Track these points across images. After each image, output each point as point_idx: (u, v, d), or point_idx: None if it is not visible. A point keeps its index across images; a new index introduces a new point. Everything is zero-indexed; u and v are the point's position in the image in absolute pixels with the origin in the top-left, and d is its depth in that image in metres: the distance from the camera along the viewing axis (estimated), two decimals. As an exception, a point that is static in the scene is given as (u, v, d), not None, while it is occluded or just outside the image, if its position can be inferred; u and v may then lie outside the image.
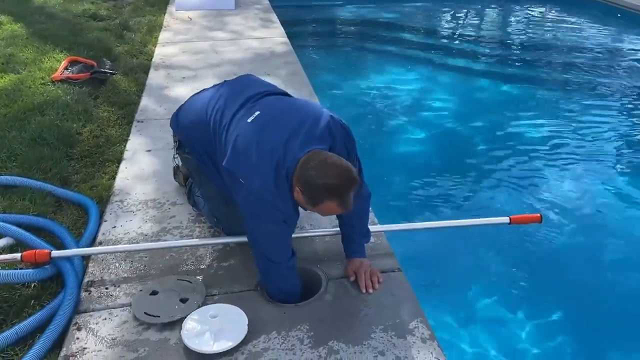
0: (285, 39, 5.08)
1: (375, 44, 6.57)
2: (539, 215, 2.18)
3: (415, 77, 5.48)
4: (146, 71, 4.19)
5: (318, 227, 2.26)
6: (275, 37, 5.15)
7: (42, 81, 3.80)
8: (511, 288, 2.63)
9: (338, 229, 2.21)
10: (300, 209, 1.77)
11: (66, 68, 3.97)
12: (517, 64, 5.94)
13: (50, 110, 3.29)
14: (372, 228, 2.19)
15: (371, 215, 2.32)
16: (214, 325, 1.66)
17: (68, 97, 3.48)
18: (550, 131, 4.26)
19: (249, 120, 1.77)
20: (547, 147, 3.98)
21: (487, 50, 6.39)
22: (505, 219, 2.17)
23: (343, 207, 1.61)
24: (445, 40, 6.79)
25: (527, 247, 2.86)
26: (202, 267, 2.04)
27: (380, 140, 4.11)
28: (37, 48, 4.48)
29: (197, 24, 5.56)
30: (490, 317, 2.49)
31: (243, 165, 1.70)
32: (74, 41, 4.63)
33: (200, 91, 2.15)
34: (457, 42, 6.73)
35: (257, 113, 1.79)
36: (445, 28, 7.44)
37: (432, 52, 6.27)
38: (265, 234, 1.77)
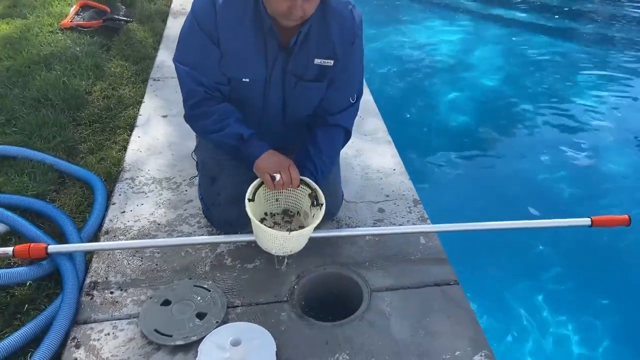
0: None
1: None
2: (626, 217, 1.81)
3: (457, 31, 4.93)
4: (164, 19, 3.79)
5: (356, 225, 1.93)
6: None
7: (51, 28, 3.45)
8: (595, 310, 2.21)
9: (380, 227, 1.90)
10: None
11: (77, 13, 3.59)
12: (578, 18, 5.30)
13: (57, 63, 2.96)
14: (421, 228, 1.86)
15: (421, 211, 1.99)
16: (235, 354, 1.38)
17: (77, 49, 3.13)
18: (619, 97, 3.74)
19: None
20: (615, 118, 3.48)
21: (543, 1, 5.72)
22: (586, 221, 1.81)
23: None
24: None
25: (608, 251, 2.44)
26: (223, 268, 1.74)
27: (421, 104, 3.68)
28: (47, -11, 4.08)
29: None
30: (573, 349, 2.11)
31: None
32: (87, -18, 4.21)
33: None
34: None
35: None
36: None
37: (477, 1, 5.64)
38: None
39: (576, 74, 4.06)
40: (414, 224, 1.93)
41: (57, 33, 3.37)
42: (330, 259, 1.78)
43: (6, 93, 2.66)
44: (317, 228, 1.60)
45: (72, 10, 3.62)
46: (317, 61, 1.57)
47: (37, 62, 2.98)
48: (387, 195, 2.08)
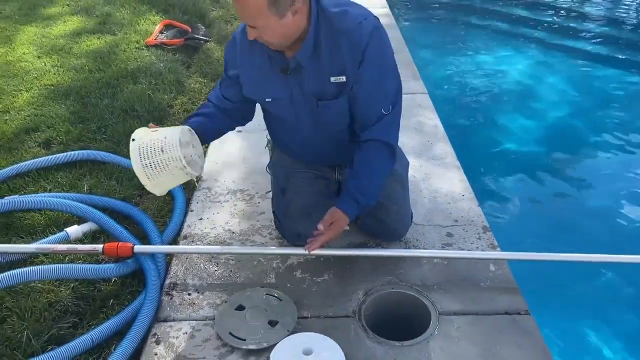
0: (387, 10, 4.67)
1: (484, 19, 5.95)
2: None
3: (526, 59, 4.87)
4: (240, 40, 3.97)
5: (424, 247, 1.94)
6: (375, 7, 4.74)
7: (137, 45, 3.70)
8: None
9: (450, 251, 1.90)
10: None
11: (161, 32, 3.84)
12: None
13: (142, 77, 3.17)
14: (493, 255, 1.85)
15: (491, 238, 1.97)
16: (306, 363, 1.42)
17: (161, 65, 3.34)
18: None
19: None
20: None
21: (615, 33, 5.57)
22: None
23: None
24: (562, 18, 6.01)
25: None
26: (293, 280, 1.80)
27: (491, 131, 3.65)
28: (134, 8, 4.39)
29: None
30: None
31: None
32: (169, 3, 4.49)
33: None
34: (578, 20, 5.93)
35: None
36: (568, 5, 6.61)
37: (547, 30, 5.55)
38: None
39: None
40: (483, 250, 1.93)
41: (143, 49, 3.61)
42: (397, 278, 1.80)
43: (97, 103, 2.88)
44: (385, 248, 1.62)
45: (157, 28, 3.87)
46: (332, 79, 1.58)
47: (124, 75, 3.20)
48: (456, 220, 2.08)
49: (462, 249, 1.93)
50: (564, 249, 1.83)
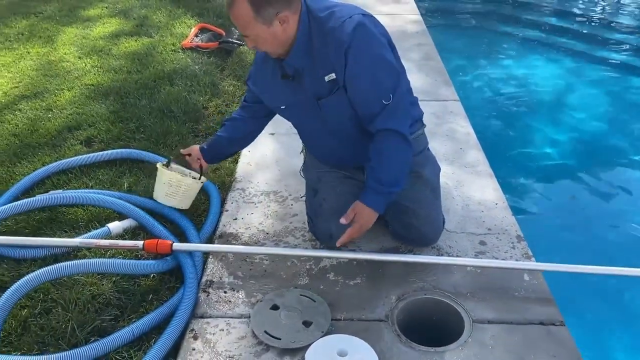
0: (418, 17, 4.66)
1: (515, 27, 5.89)
2: None
3: (557, 67, 4.81)
4: (273, 44, 4.02)
5: (457, 255, 1.95)
6: (406, 13, 4.74)
7: (173, 47, 3.78)
8: None
9: (483, 260, 1.91)
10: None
11: (196, 35, 3.92)
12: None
13: (179, 79, 3.24)
14: (527, 265, 1.85)
15: (525, 248, 1.96)
16: (341, 364, 1.44)
17: (196, 67, 3.41)
18: None
19: None
20: None
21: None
22: None
23: None
24: (594, 27, 5.91)
25: None
26: (326, 282, 1.82)
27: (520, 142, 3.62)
28: (170, 12, 4.49)
29: (325, -6, 5.30)
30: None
31: None
32: (204, 7, 4.58)
33: None
34: (610, 30, 5.83)
35: None
36: (600, 14, 6.50)
37: (579, 39, 5.47)
38: None
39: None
40: (517, 260, 1.92)
41: (179, 52, 3.69)
42: (430, 285, 1.81)
43: (136, 103, 2.96)
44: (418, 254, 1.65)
45: (192, 32, 3.95)
46: (326, 78, 1.65)
47: (161, 77, 3.28)
48: (489, 229, 2.08)
49: (496, 258, 1.93)
50: (601, 260, 1.81)
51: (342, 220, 1.70)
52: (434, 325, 1.76)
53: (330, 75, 1.63)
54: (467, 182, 2.37)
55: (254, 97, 1.95)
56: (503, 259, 1.92)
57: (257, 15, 1.52)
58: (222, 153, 2.13)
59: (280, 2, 1.53)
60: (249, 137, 2.10)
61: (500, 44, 5.47)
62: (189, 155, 2.06)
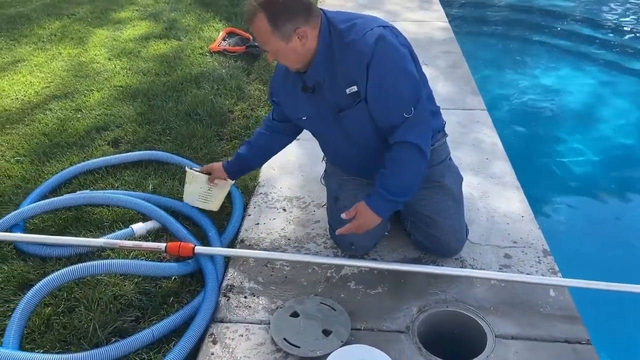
0: (446, 24, 4.62)
1: (544, 35, 5.79)
2: None
3: (588, 77, 4.70)
4: (299, 49, 4.04)
5: (481, 267, 1.91)
6: (434, 21, 4.71)
7: (201, 51, 3.82)
8: None
9: (508, 274, 1.86)
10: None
11: (224, 39, 3.95)
12: None
13: (205, 82, 3.27)
14: (553, 281, 1.80)
15: (551, 262, 1.92)
16: (359, 375, 1.43)
17: (223, 71, 3.44)
18: None
19: None
20: None
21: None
22: None
23: None
24: (626, 38, 5.76)
25: None
26: (347, 290, 1.81)
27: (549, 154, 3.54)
28: (199, 15, 4.55)
29: (352, 0, 5.30)
30: None
31: None
32: (232, 11, 4.63)
33: None
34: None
35: None
36: (631, 24, 6.35)
37: (610, 50, 5.35)
38: None
39: None
40: (542, 275, 1.88)
41: (206, 55, 3.73)
42: (452, 297, 1.78)
43: (163, 105, 2.99)
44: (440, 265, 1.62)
45: (220, 36, 3.99)
46: (347, 91, 1.64)
47: (188, 80, 3.32)
48: (515, 242, 2.04)
49: (521, 272, 1.89)
50: (630, 278, 1.75)
51: (343, 216, 1.74)
52: (455, 339, 1.73)
53: (352, 87, 1.63)
54: (493, 193, 2.33)
55: (282, 115, 1.94)
56: (528, 274, 1.88)
57: (275, 31, 1.53)
58: (245, 170, 2.16)
59: (298, 18, 1.53)
60: (274, 153, 2.12)
61: (529, 52, 5.38)
62: (209, 174, 2.07)
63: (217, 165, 2.07)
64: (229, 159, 2.09)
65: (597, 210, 3.00)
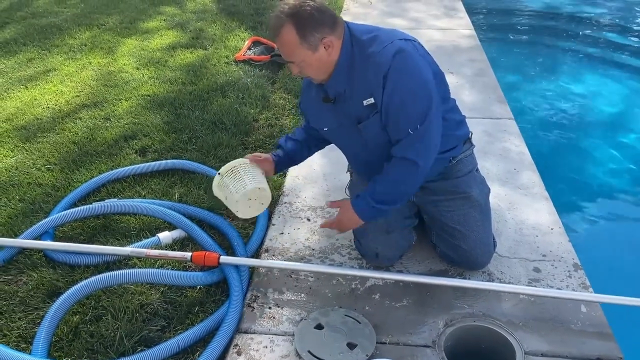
0: (472, 32, 4.57)
1: (572, 42, 5.68)
2: None
3: (617, 85, 4.59)
4: (323, 57, 4.04)
5: (509, 281, 1.87)
6: (460, 28, 4.67)
7: (226, 60, 3.86)
8: None
9: (537, 288, 1.82)
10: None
11: (249, 48, 3.99)
12: None
13: (231, 91, 3.30)
14: (585, 296, 1.75)
15: (582, 277, 1.86)
16: (385, 391, 1.41)
17: (248, 80, 3.46)
18: None
19: None
20: None
21: None
22: None
23: None
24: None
25: None
26: (372, 303, 1.79)
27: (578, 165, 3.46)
28: (225, 25, 4.59)
29: (376, 8, 5.30)
30: None
31: None
32: (258, 20, 4.66)
33: None
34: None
35: None
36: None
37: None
38: None
39: None
40: (573, 290, 1.83)
41: (232, 64, 3.77)
42: (480, 311, 1.74)
43: (189, 114, 3.03)
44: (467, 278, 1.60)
45: (245, 45, 4.02)
46: (364, 102, 1.65)
47: (214, 89, 3.35)
48: (544, 255, 1.99)
49: (551, 287, 1.84)
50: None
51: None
52: (482, 354, 1.70)
53: (369, 99, 1.64)
54: (521, 205, 2.29)
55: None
56: (559, 288, 1.83)
57: (303, 41, 1.54)
58: (289, 164, 2.12)
59: (325, 27, 1.55)
60: (312, 154, 2.12)
61: (556, 60, 5.29)
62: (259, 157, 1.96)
63: (266, 156, 1.96)
64: (274, 152, 2.01)
65: (630, 223, 2.91)
